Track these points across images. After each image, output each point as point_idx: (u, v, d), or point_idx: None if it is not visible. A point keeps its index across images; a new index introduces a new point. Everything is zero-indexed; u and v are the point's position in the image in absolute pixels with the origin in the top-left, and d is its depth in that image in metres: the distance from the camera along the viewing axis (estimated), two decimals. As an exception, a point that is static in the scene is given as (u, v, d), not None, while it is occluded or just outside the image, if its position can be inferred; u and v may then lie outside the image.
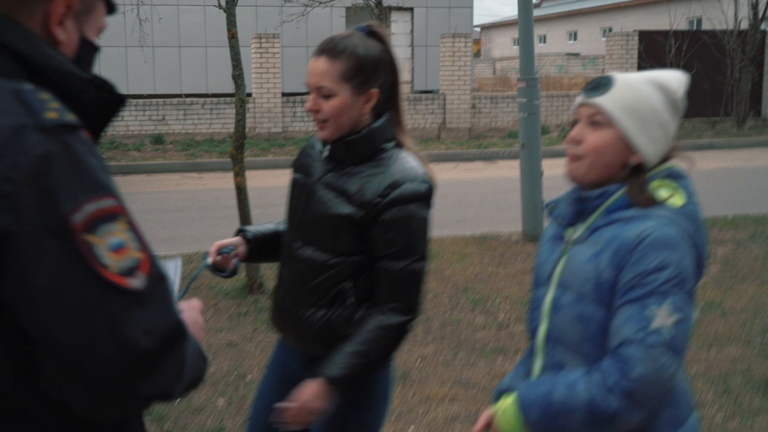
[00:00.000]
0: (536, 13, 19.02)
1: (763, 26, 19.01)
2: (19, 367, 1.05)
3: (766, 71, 19.79)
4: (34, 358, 1.04)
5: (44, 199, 0.98)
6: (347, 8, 21.20)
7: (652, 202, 1.69)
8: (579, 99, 1.81)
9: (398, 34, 23.38)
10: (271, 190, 10.23)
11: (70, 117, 1.06)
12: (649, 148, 1.73)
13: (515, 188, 9.47)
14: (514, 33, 46.45)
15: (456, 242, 7.83)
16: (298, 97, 17.33)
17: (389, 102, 2.09)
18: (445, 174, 12.13)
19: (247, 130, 8.76)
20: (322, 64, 1.99)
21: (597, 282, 1.67)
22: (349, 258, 2.03)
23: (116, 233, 1.03)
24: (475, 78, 24.58)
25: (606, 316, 1.67)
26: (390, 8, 20.52)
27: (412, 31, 23.87)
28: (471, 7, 24.47)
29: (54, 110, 1.04)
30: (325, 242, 2.04)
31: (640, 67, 18.34)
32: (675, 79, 1.79)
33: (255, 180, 10.14)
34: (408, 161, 2.04)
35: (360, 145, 2.04)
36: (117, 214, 1.04)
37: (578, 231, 1.78)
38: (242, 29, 9.89)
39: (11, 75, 1.09)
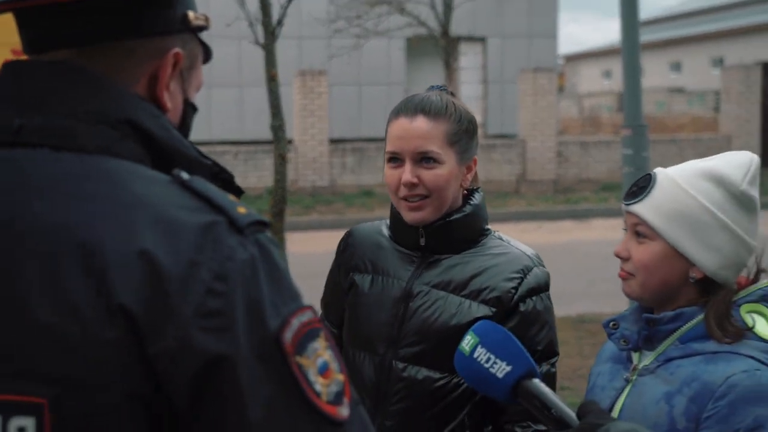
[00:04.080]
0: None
1: None
2: None
3: None
4: None
5: (253, 316, 0.94)
6: (408, 39, 21.13)
7: (740, 336, 1.59)
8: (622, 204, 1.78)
9: (468, 68, 22.45)
10: (316, 258, 9.44)
11: (256, 212, 1.04)
12: (709, 258, 1.64)
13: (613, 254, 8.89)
14: (604, 65, 44.64)
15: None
16: (347, 144, 16.83)
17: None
18: (527, 236, 11.42)
19: (287, 183, 7.85)
20: (422, 124, 1.90)
21: (669, 430, 1.59)
22: None
23: (320, 352, 0.99)
24: (558, 118, 23.93)
25: None
26: (459, 38, 19.88)
27: (484, 66, 23.06)
28: (555, 37, 23.46)
29: (241, 204, 1.01)
30: (443, 358, 1.86)
31: (765, 105, 17.40)
32: (737, 165, 1.66)
33: (296, 244, 9.59)
34: (517, 243, 2.01)
35: (465, 227, 1.96)
36: (317, 328, 1.00)
37: (646, 359, 1.71)
38: (284, 65, 9.05)
39: (142, 162, 1.04)
